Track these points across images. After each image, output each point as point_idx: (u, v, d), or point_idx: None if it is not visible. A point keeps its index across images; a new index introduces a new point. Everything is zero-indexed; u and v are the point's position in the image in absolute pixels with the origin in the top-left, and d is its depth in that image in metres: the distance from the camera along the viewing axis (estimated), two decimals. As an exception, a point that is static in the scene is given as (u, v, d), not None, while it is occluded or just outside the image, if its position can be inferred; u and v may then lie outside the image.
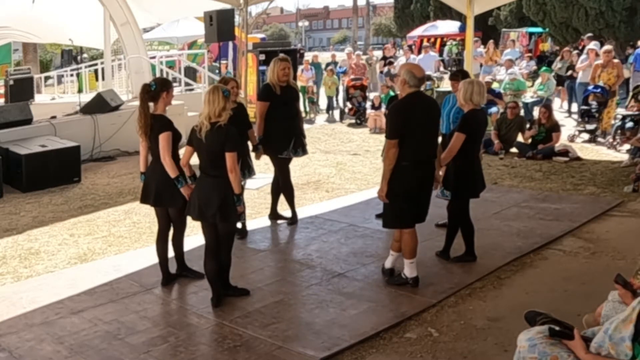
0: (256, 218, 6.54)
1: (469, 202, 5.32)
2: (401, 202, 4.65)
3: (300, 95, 14.12)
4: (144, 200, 4.91)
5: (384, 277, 5.04)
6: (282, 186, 6.43)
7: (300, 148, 6.29)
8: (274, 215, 6.62)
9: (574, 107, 12.98)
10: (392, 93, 12.37)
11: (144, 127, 4.66)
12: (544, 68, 13.97)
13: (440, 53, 26.08)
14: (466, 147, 5.08)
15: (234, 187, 4.37)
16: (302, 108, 14.72)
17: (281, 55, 6.50)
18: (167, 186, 4.72)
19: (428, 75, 15.67)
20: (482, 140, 5.51)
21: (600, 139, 10.66)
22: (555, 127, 9.96)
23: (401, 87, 4.68)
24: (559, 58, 15.13)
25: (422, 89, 4.84)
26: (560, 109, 13.70)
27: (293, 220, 6.54)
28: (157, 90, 4.69)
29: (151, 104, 4.71)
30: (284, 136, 6.15)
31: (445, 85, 14.42)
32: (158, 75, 12.75)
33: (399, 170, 4.58)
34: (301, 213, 6.79)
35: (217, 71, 15.88)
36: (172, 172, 4.58)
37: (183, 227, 5.01)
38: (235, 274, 4.89)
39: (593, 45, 12.84)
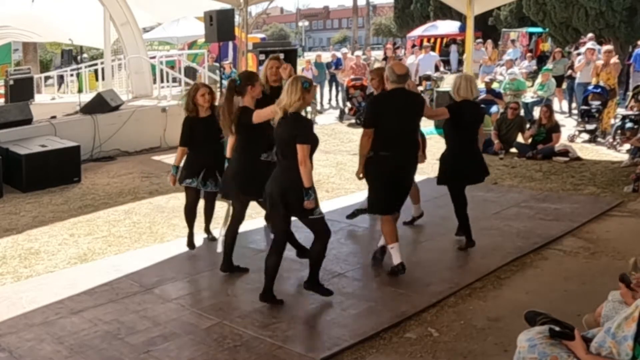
0: (256, 218, 6.53)
1: (461, 189, 5.54)
2: (380, 190, 4.93)
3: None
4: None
5: (376, 261, 5.29)
6: None
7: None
8: None
9: (574, 107, 12.98)
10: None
11: (228, 123, 4.76)
12: (545, 68, 13.96)
13: (446, 54, 26.11)
14: (449, 134, 5.50)
15: (304, 180, 4.18)
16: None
17: (273, 54, 6.41)
18: (252, 179, 4.81)
19: (428, 75, 15.65)
20: (474, 134, 5.61)
21: (600, 139, 10.67)
22: (556, 128, 9.97)
23: (386, 83, 5.07)
24: (551, 59, 15.13)
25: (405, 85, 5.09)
26: (557, 109, 13.68)
27: None
28: (242, 84, 4.81)
29: (238, 98, 4.84)
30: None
31: (446, 85, 14.40)
32: (157, 75, 12.74)
33: (377, 159, 4.87)
34: (301, 213, 6.79)
35: (217, 71, 15.84)
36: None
37: (242, 220, 5.09)
38: (235, 275, 4.89)
39: (591, 44, 12.85)
